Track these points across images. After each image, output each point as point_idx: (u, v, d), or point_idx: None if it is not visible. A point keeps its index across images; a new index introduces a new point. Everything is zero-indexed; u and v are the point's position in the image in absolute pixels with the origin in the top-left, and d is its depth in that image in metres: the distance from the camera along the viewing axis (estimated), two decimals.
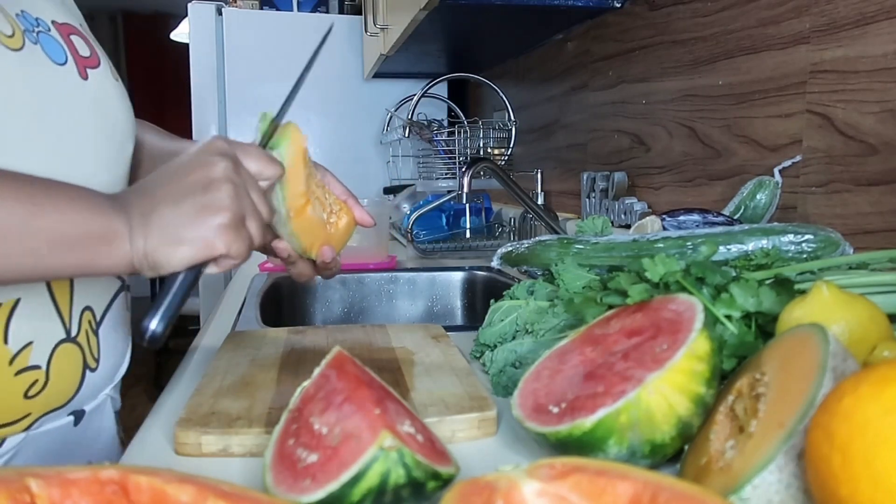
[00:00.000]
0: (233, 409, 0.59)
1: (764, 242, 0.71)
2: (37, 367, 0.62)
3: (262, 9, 2.76)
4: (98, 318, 0.68)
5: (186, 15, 2.61)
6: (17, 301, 0.60)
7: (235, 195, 0.54)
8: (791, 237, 0.70)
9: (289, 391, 0.61)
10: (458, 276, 1.47)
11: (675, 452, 0.47)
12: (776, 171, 0.94)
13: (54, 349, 0.63)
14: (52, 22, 0.64)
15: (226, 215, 0.53)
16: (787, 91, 0.94)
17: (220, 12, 2.56)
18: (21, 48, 0.58)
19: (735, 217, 0.93)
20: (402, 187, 2.13)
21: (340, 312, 1.43)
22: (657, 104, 1.28)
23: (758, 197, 0.93)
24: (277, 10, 2.80)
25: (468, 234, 1.82)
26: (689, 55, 1.17)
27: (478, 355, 0.76)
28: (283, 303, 1.38)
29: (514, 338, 0.73)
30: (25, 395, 0.62)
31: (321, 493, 0.40)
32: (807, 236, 0.70)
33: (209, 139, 0.58)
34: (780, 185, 0.93)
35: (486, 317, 0.76)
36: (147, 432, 0.61)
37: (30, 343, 0.61)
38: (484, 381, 0.71)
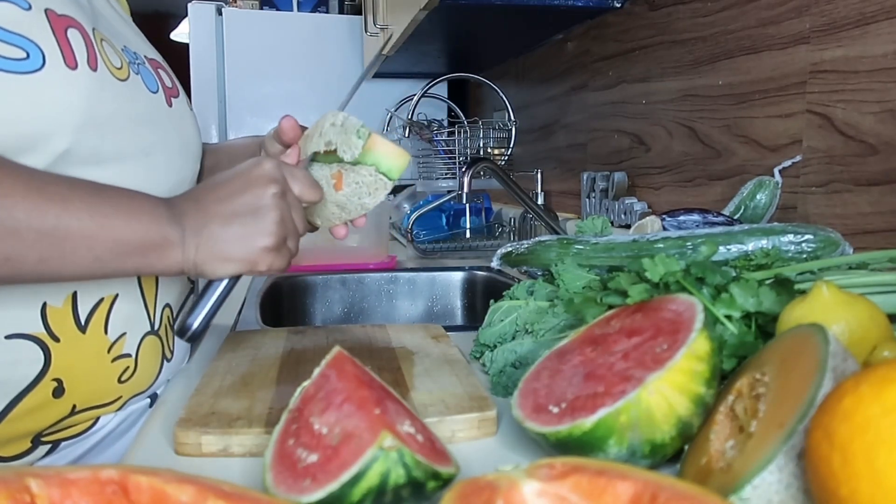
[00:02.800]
0: (233, 409, 0.59)
1: (764, 242, 0.71)
2: (128, 356, 0.69)
3: (262, 9, 2.76)
4: (175, 314, 0.76)
5: (186, 15, 2.61)
6: (116, 296, 0.67)
7: (280, 221, 0.61)
8: (791, 237, 0.70)
9: (289, 391, 0.61)
10: (458, 276, 1.47)
11: (675, 452, 0.47)
12: (776, 171, 0.94)
13: (141, 340, 0.70)
14: (146, 56, 0.74)
15: (270, 240, 0.60)
16: (787, 91, 0.94)
17: (220, 12, 2.56)
18: (127, 79, 0.66)
19: (735, 217, 0.93)
20: (402, 187, 2.13)
21: (340, 312, 1.43)
22: (657, 104, 1.28)
23: (758, 197, 0.93)
24: (277, 10, 2.80)
25: (468, 234, 1.82)
26: (689, 55, 1.17)
27: (478, 355, 0.76)
28: (283, 303, 1.38)
29: (514, 338, 0.73)
30: (119, 380, 0.69)
31: (321, 493, 0.40)
32: (807, 236, 0.70)
33: (261, 160, 0.63)
34: (780, 185, 0.93)
35: (486, 317, 0.76)
36: (147, 432, 0.61)
37: (123, 334, 0.68)
38: (484, 381, 0.71)
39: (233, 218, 0.60)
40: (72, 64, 0.60)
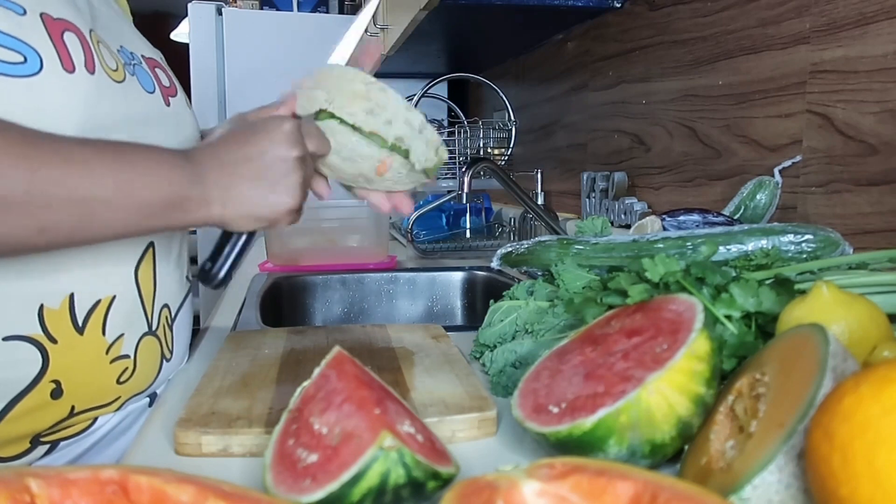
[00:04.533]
0: (233, 409, 0.59)
1: (764, 242, 0.71)
2: (127, 357, 0.69)
3: (262, 9, 2.77)
4: (173, 314, 0.76)
5: (186, 15, 2.61)
6: (114, 297, 0.67)
7: (304, 182, 0.65)
8: (791, 237, 0.70)
9: (289, 391, 0.61)
10: (458, 277, 1.47)
11: (675, 452, 0.47)
12: (776, 171, 0.94)
13: (139, 341, 0.70)
14: (142, 56, 0.74)
15: (296, 201, 0.65)
16: (787, 91, 0.94)
17: (220, 12, 2.56)
18: (123, 80, 0.67)
19: (735, 217, 0.93)
20: None
21: (340, 312, 1.43)
22: (657, 104, 1.28)
23: (758, 197, 0.93)
24: (277, 10, 2.81)
25: (468, 234, 1.82)
26: (689, 55, 1.17)
27: (478, 355, 0.76)
28: (283, 303, 1.38)
29: (513, 338, 0.73)
30: (118, 381, 0.69)
31: (321, 493, 0.40)
32: (807, 236, 0.70)
33: (281, 120, 0.65)
34: (780, 185, 0.93)
35: (486, 317, 0.76)
36: (147, 432, 0.61)
37: (121, 335, 0.68)
38: (484, 381, 0.71)
39: (260, 179, 0.63)
40: (69, 67, 0.60)
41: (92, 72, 0.62)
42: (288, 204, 0.64)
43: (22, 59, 0.58)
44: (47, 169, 0.53)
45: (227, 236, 0.68)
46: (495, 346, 0.73)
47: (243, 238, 0.68)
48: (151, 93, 0.71)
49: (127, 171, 0.57)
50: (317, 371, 0.52)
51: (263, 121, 0.66)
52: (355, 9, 2.74)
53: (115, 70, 0.66)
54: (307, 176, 0.66)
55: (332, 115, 0.68)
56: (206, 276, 0.68)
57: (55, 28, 0.60)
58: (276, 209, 0.64)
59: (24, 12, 0.59)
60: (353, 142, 0.68)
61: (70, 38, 0.61)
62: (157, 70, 0.75)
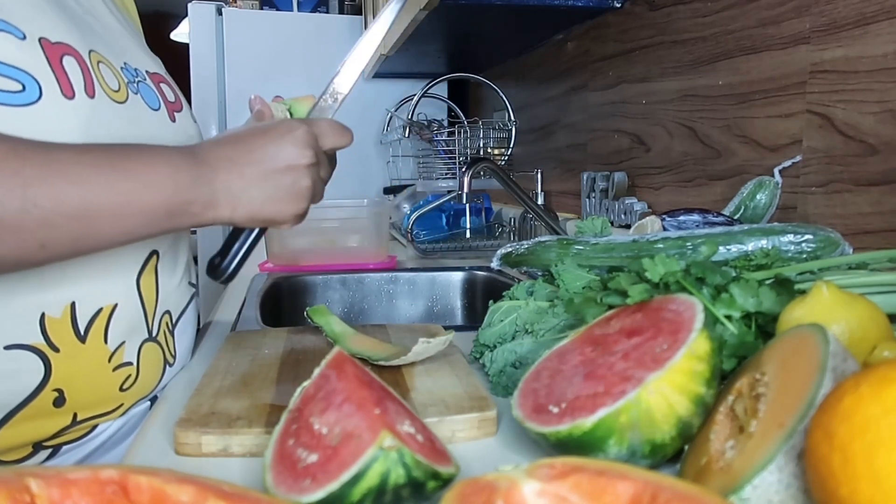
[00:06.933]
0: (233, 409, 0.59)
1: (764, 242, 0.71)
2: (129, 364, 0.69)
3: (262, 9, 2.76)
4: (174, 320, 0.77)
5: (186, 15, 2.61)
6: (115, 306, 0.67)
7: (312, 187, 0.66)
8: (791, 237, 0.70)
9: (289, 391, 0.61)
10: (458, 277, 1.47)
11: (675, 452, 0.47)
12: (776, 171, 0.94)
13: (140, 347, 0.71)
14: (147, 72, 0.74)
15: (303, 205, 0.66)
16: (787, 91, 0.94)
17: (220, 12, 2.56)
18: (125, 101, 0.67)
19: (735, 217, 0.93)
20: (402, 187, 2.13)
21: (340, 312, 1.42)
22: (657, 104, 1.28)
23: (758, 197, 0.93)
24: (277, 10, 2.80)
25: (468, 234, 1.82)
26: (689, 55, 1.17)
27: (478, 356, 0.76)
28: (283, 303, 1.38)
29: (513, 338, 0.73)
30: (121, 388, 0.69)
31: (321, 493, 0.40)
32: (807, 236, 0.70)
33: (293, 123, 0.66)
34: (780, 185, 0.93)
35: (486, 317, 0.76)
36: (147, 432, 0.61)
37: (123, 343, 0.68)
38: (484, 381, 0.71)
39: (270, 183, 0.63)
40: (69, 93, 0.60)
41: (92, 96, 0.62)
42: (296, 209, 0.65)
43: (20, 87, 0.57)
44: (41, 185, 0.52)
45: (236, 232, 0.69)
46: (495, 347, 0.73)
47: (253, 234, 0.69)
48: (156, 110, 0.71)
49: (127, 181, 0.56)
50: (317, 371, 0.52)
51: (275, 124, 0.66)
52: (356, 9, 2.73)
53: (118, 90, 0.66)
54: (316, 180, 0.66)
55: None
56: (214, 270, 0.69)
57: (54, 53, 0.60)
58: (285, 213, 0.65)
59: (24, 37, 0.59)
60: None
61: (69, 63, 0.61)
62: (161, 86, 0.75)
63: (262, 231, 0.70)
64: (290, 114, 0.81)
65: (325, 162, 0.69)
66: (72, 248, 0.55)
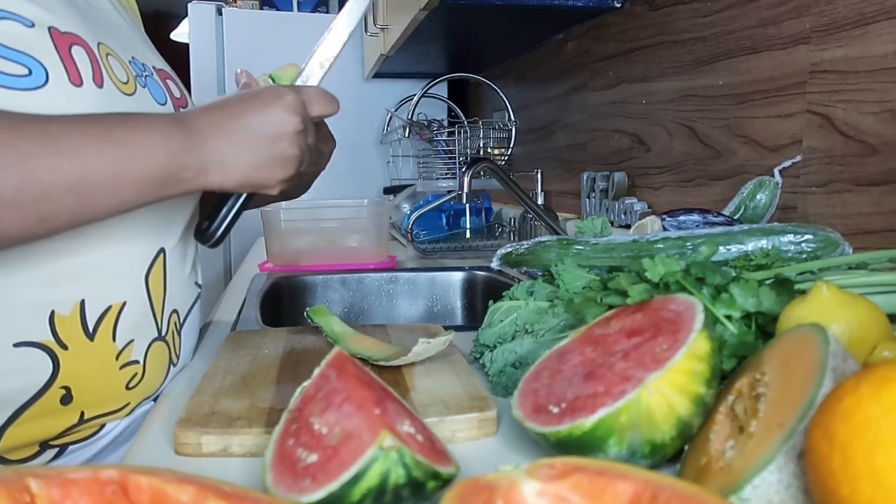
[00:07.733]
0: (233, 409, 0.59)
1: (764, 242, 0.71)
2: (136, 363, 0.69)
3: (262, 9, 2.77)
4: (182, 319, 0.77)
5: (186, 15, 2.61)
6: (124, 304, 0.67)
7: (301, 154, 0.66)
8: (791, 237, 0.70)
9: (289, 391, 0.61)
10: (458, 277, 1.47)
11: (675, 452, 0.47)
12: (776, 171, 0.94)
13: (149, 347, 0.70)
14: (154, 67, 0.74)
15: (291, 171, 0.66)
16: (787, 91, 0.94)
17: (220, 12, 2.56)
18: (134, 93, 0.67)
19: (735, 217, 0.93)
20: (402, 187, 2.13)
21: (340, 312, 1.42)
22: (657, 104, 1.28)
23: (758, 197, 0.93)
24: (277, 10, 2.80)
25: (468, 234, 1.82)
26: (689, 55, 1.17)
27: (478, 356, 0.76)
28: (283, 303, 1.38)
29: (513, 338, 0.73)
30: (127, 387, 0.69)
31: (321, 493, 0.40)
32: (807, 236, 0.70)
33: (282, 91, 0.66)
34: (780, 185, 0.93)
35: (486, 317, 0.76)
36: (147, 432, 0.61)
37: (131, 341, 0.68)
38: (484, 381, 0.71)
39: (260, 149, 0.64)
40: (77, 81, 0.60)
41: (100, 85, 0.62)
42: (284, 174, 0.66)
43: (26, 71, 0.57)
44: (37, 159, 0.52)
45: (224, 196, 0.70)
46: (495, 347, 0.73)
47: (241, 199, 0.70)
48: (163, 104, 0.71)
49: (119, 150, 0.56)
50: (317, 371, 0.52)
51: (264, 90, 0.66)
52: None
53: (126, 82, 0.66)
54: (304, 148, 0.67)
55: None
56: (202, 234, 0.70)
57: (63, 42, 0.60)
58: (273, 179, 0.65)
59: (32, 25, 0.58)
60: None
61: (78, 52, 0.61)
62: (168, 81, 0.75)
63: (250, 196, 0.70)
64: (273, 81, 0.81)
65: (313, 129, 0.69)
66: (71, 220, 0.56)
